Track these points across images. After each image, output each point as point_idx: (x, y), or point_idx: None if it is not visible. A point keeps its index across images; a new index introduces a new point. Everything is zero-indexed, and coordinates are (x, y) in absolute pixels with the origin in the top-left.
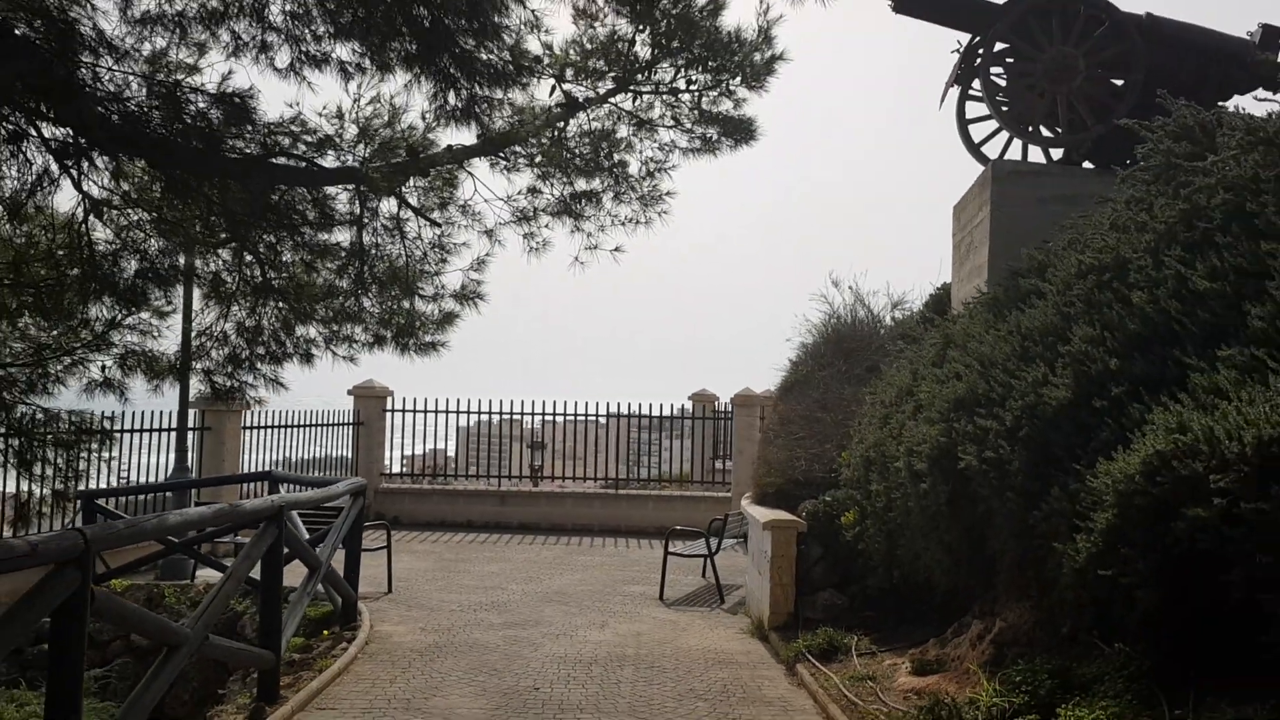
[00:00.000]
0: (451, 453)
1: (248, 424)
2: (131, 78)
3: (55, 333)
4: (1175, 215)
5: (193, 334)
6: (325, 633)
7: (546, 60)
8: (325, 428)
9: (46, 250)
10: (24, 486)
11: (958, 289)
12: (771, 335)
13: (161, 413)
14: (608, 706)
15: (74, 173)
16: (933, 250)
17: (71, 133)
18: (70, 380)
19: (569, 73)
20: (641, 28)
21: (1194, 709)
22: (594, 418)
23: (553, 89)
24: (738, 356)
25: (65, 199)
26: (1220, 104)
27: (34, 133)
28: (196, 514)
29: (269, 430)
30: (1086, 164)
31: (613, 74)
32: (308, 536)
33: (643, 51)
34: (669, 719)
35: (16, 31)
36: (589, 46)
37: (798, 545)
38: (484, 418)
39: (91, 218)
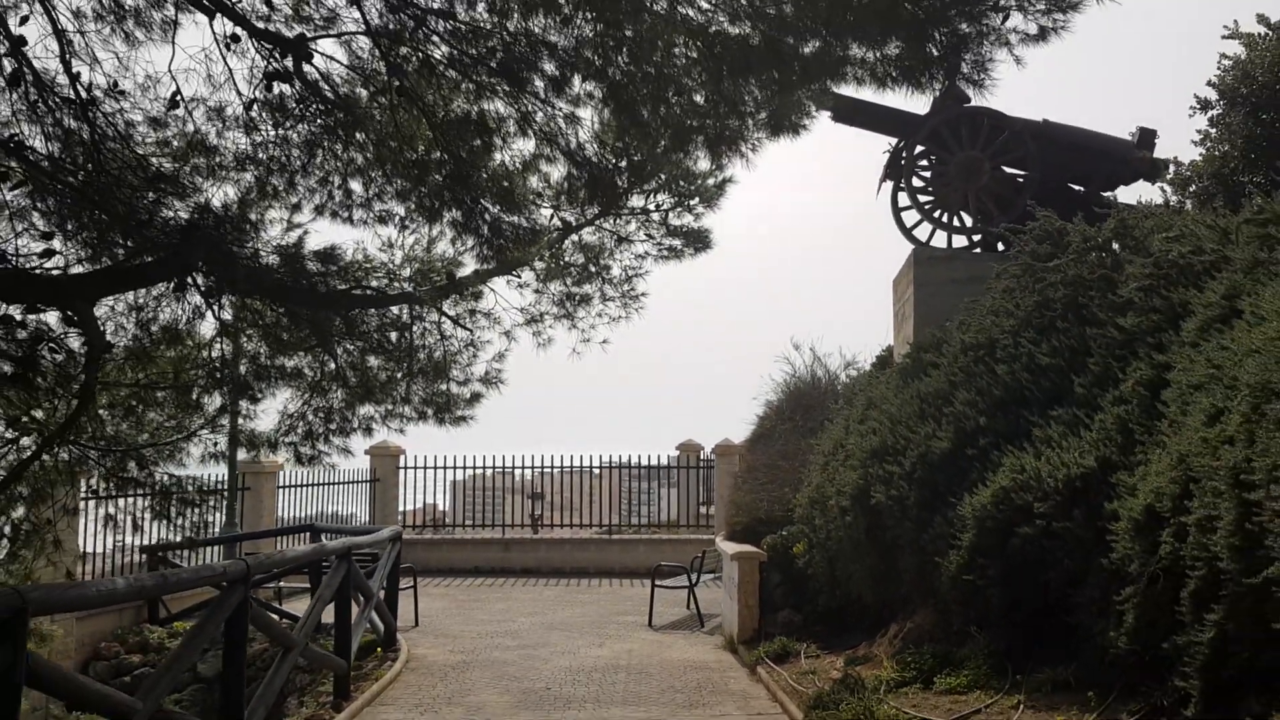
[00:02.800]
0: (445, 506)
1: (282, 483)
2: (263, 249)
3: (174, 419)
4: (1031, 305)
5: (281, 417)
6: (378, 650)
7: (547, 194)
8: (342, 485)
9: (192, 361)
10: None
11: (897, 351)
12: (753, 387)
13: (203, 475)
14: (606, 699)
15: (215, 308)
16: (881, 314)
17: (215, 281)
18: (193, 452)
19: (563, 199)
20: (622, 169)
21: (1029, 674)
22: (589, 469)
23: (551, 216)
24: (723, 407)
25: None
26: (1106, 194)
27: (191, 282)
28: (303, 551)
29: (298, 489)
30: (1000, 245)
31: (598, 199)
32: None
33: (620, 181)
34: (654, 706)
35: (187, 220)
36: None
37: (760, 573)
38: (482, 472)
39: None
